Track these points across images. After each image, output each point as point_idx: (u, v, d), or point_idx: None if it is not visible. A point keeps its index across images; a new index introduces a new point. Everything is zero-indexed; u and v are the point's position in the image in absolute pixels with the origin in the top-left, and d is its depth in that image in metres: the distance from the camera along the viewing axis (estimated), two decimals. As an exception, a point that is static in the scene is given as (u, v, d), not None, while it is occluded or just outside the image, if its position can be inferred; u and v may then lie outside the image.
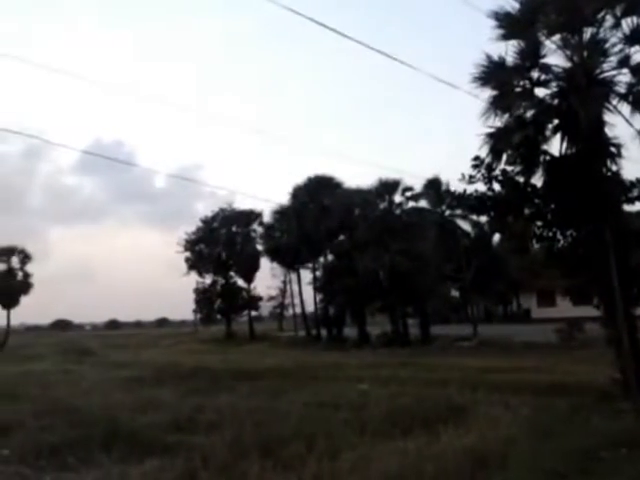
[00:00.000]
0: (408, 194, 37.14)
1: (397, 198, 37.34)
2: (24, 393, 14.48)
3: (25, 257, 49.65)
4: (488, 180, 12.41)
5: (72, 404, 12.26)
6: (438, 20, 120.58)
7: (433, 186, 36.72)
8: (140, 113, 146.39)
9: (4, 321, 50.41)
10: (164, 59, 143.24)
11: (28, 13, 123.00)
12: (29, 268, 49.88)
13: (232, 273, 55.65)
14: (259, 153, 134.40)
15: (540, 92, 12.46)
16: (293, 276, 50.70)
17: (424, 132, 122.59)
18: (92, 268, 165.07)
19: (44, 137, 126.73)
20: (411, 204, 37.61)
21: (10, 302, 48.95)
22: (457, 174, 12.66)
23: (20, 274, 49.38)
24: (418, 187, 37.19)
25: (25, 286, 49.33)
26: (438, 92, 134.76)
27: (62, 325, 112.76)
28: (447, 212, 37.20)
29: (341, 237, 41.74)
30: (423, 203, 37.84)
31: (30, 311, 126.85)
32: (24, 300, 49.81)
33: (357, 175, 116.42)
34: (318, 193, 43.50)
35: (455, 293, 50.57)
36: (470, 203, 13.29)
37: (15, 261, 49.42)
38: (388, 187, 36.85)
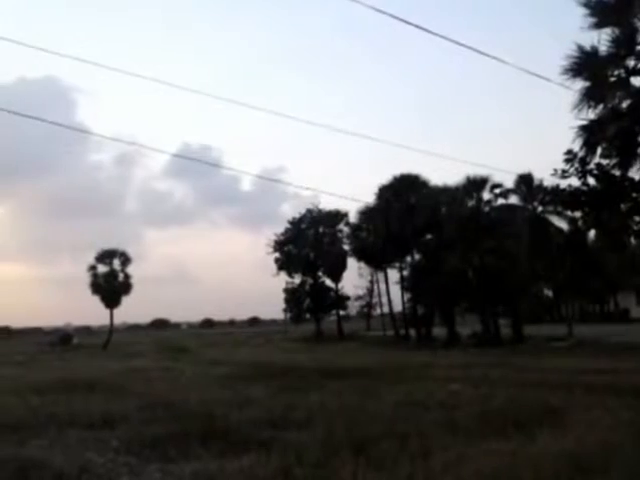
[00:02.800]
0: (497, 191, 36.30)
1: (485, 195, 36.62)
2: (128, 388, 15.29)
3: (125, 259, 52.39)
4: (582, 174, 12.00)
5: (172, 399, 12.78)
6: (525, 12, 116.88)
7: (524, 182, 35.59)
8: (225, 117, 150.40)
9: (108, 320, 53.58)
10: (249, 63, 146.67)
11: (109, 14, 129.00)
12: (129, 270, 52.73)
13: (320, 273, 56.28)
14: (343, 153, 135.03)
15: (636, 81, 11.94)
16: (380, 275, 50.77)
17: (512, 127, 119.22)
18: (187, 269, 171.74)
19: (137, 144, 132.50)
20: (500, 201, 36.73)
21: (113, 302, 51.75)
22: (548, 169, 12.33)
23: (121, 276, 52.15)
24: (508, 184, 36.28)
25: (126, 287, 51.96)
26: (526, 85, 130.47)
27: (160, 324, 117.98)
28: (539, 208, 35.91)
29: (428, 236, 41.30)
30: (513, 200, 36.76)
31: (130, 311, 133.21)
32: (125, 300, 52.62)
33: (444, 173, 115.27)
34: (404, 192, 43.24)
35: (548, 292, 48.88)
36: (563, 198, 12.89)
37: (116, 263, 52.30)
38: (476, 184, 36.13)
